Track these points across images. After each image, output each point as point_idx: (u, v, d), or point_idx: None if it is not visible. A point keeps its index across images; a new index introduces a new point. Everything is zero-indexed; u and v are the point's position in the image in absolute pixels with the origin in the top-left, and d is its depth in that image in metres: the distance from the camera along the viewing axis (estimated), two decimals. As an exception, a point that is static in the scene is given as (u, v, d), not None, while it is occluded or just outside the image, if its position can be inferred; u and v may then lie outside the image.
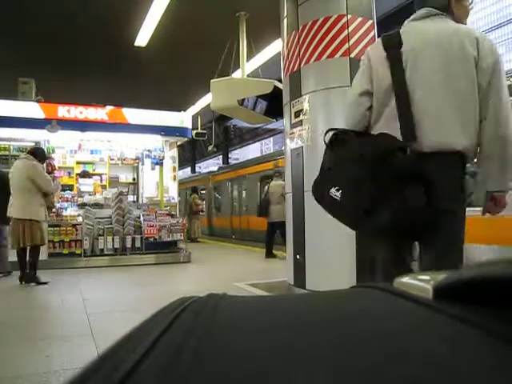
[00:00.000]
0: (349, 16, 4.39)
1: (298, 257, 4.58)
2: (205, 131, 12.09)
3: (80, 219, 7.51)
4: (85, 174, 9.02)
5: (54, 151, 8.39)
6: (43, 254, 6.92)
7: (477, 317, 0.23)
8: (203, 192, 17.52)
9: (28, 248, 5.57)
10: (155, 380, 0.19)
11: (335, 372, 0.19)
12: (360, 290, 0.33)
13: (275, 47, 8.00)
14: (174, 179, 9.50)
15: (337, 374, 0.19)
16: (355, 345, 0.22)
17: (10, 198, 5.53)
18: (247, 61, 7.56)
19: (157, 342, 0.22)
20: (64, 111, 7.89)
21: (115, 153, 9.15)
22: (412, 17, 2.07)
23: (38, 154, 5.75)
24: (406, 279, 0.31)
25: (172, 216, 8.27)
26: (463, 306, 0.25)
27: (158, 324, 0.25)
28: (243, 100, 6.49)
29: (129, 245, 7.56)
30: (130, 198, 9.16)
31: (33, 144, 7.90)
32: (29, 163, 5.53)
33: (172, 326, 0.24)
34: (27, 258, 5.60)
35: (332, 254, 4.33)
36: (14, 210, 5.44)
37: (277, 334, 0.24)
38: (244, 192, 14.65)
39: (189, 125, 9.04)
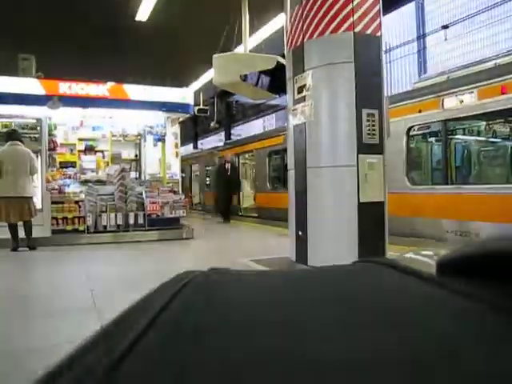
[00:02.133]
0: (353, -11, 4.30)
1: (300, 233, 4.60)
2: (207, 107, 12.03)
3: (83, 196, 7.53)
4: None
5: (55, 128, 8.34)
6: (47, 231, 6.99)
7: (480, 291, 0.23)
8: (208, 168, 16.99)
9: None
10: (154, 357, 0.19)
11: (335, 347, 0.19)
12: (362, 265, 0.33)
13: (278, 22, 7.87)
14: (177, 156, 9.47)
15: (336, 350, 0.19)
16: (356, 320, 0.22)
17: (5, 177, 6.15)
18: (250, 36, 7.45)
19: (156, 319, 0.22)
20: (65, 87, 7.82)
21: (117, 129, 9.11)
22: None
23: (21, 139, 6.59)
24: (409, 254, 0.31)
25: (174, 193, 8.28)
26: (466, 281, 0.25)
27: (158, 300, 0.25)
28: (246, 75, 6.42)
29: (131, 221, 7.60)
30: (133, 174, 9.15)
31: (34, 121, 7.87)
32: (26, 149, 6.44)
33: (172, 302, 0.24)
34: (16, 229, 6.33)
35: (334, 230, 4.35)
36: (18, 189, 6.15)
37: (277, 310, 0.24)
38: (251, 168, 14.39)
39: (191, 101, 8.98)
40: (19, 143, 6.43)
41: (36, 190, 7.05)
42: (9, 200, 6.15)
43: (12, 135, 6.51)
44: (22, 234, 6.33)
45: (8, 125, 7.87)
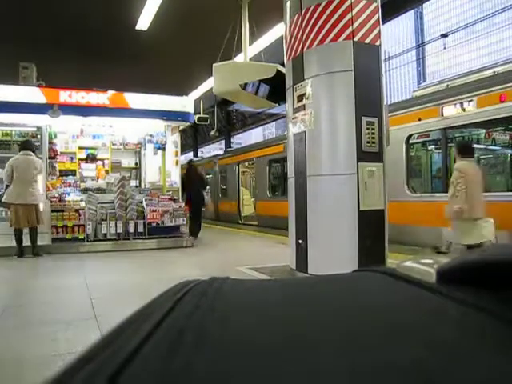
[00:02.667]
0: (353, -1, 4.33)
1: (300, 241, 4.60)
2: (207, 116, 12.06)
3: (83, 204, 7.53)
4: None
5: (55, 136, 8.37)
6: (47, 239, 6.99)
7: (479, 300, 0.23)
8: (208, 176, 17.23)
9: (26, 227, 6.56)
10: (157, 363, 0.19)
11: (335, 358, 0.19)
12: (362, 274, 0.33)
13: (278, 31, 7.92)
14: (177, 164, 9.49)
15: (337, 362, 0.19)
16: (356, 329, 0.22)
17: (12, 186, 6.43)
18: (250, 44, 7.49)
19: (159, 325, 0.22)
20: (65, 96, 7.85)
21: (117, 138, 9.13)
22: None
23: (33, 149, 6.86)
24: (408, 263, 0.31)
25: (174, 201, 8.28)
26: (466, 290, 0.25)
27: (161, 307, 0.25)
28: (246, 84, 6.45)
29: (131, 229, 7.59)
30: (133, 182, 9.16)
31: (34, 129, 7.88)
32: (36, 159, 6.73)
33: (175, 309, 0.24)
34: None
35: (334, 238, 4.35)
36: (27, 196, 6.43)
37: (276, 319, 0.24)
38: (251, 176, 14.35)
39: (191, 109, 9.00)
40: (31, 153, 6.68)
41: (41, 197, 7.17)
42: (19, 206, 6.40)
43: (24, 145, 6.80)
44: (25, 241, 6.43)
45: (8, 133, 7.89)
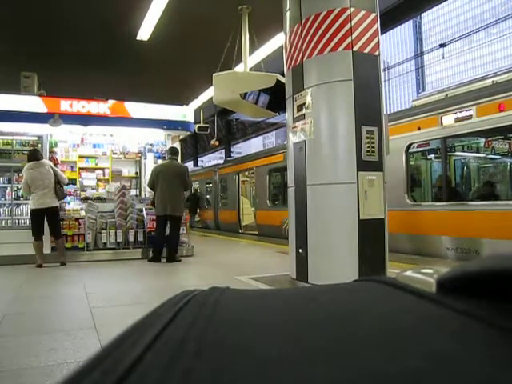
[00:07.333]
0: (352, 9, 4.36)
1: (300, 251, 4.59)
2: (207, 125, 12.09)
3: (83, 213, 7.52)
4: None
5: (56, 145, 8.38)
6: (46, 248, 6.97)
7: (479, 310, 0.23)
8: (208, 185, 17.46)
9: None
10: (158, 373, 0.19)
11: (334, 369, 0.19)
12: (363, 284, 0.33)
13: (278, 41, 7.97)
14: (177, 173, 9.47)
15: (336, 371, 0.19)
16: (356, 340, 0.22)
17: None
18: (250, 54, 7.53)
19: (160, 335, 0.22)
20: (66, 105, 7.87)
21: (118, 147, 9.14)
22: None
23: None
24: (408, 272, 0.31)
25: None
26: (466, 300, 0.25)
27: (162, 317, 0.25)
28: (246, 94, 6.47)
29: (131, 239, 7.58)
30: (133, 191, 9.16)
31: (35, 138, 7.89)
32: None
33: (175, 319, 0.24)
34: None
35: (334, 247, 4.34)
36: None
37: (276, 329, 0.24)
38: (251, 186, 14.35)
39: (191, 119, 9.03)
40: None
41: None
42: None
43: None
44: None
45: (9, 142, 7.90)
